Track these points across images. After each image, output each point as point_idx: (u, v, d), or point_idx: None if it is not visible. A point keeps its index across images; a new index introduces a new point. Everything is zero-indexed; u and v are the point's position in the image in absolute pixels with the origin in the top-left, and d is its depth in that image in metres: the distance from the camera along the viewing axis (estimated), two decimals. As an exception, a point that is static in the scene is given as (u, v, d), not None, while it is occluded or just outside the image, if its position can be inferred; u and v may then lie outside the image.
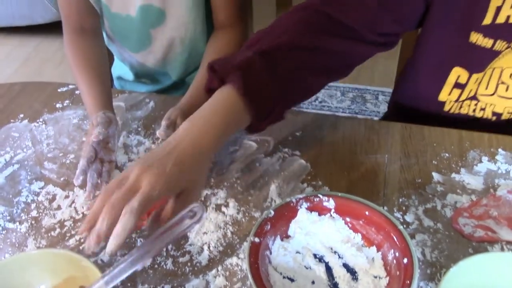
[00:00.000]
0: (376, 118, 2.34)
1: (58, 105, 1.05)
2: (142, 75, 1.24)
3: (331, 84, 2.58)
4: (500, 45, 0.87)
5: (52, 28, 3.01)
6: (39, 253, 0.70)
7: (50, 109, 1.04)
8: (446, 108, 0.98)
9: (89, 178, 0.84)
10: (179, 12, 1.07)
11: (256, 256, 0.69)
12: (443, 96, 0.96)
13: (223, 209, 0.82)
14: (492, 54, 0.89)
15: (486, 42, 0.87)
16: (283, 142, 0.94)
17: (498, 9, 0.84)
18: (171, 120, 0.86)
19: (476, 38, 0.88)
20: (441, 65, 0.94)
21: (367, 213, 0.74)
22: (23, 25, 2.97)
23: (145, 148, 0.94)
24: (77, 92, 1.09)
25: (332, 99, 2.50)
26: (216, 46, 1.07)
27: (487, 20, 0.85)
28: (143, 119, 1.01)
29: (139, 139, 0.96)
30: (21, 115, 1.03)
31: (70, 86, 1.10)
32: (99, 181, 0.84)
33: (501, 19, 0.85)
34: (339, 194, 0.76)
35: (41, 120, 1.02)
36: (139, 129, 0.99)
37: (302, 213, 0.76)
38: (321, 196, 0.76)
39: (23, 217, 0.83)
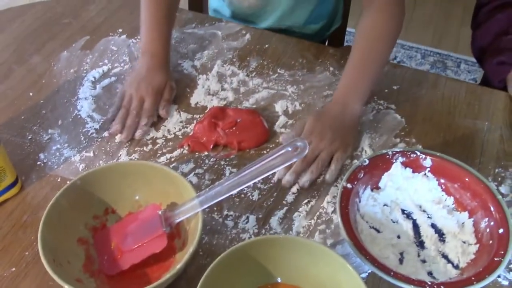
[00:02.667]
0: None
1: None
2: (239, 13, 1.16)
3: (412, 45, 2.50)
4: None
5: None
6: (139, 164, 0.72)
7: (148, 27, 1.05)
8: None
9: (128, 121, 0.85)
10: None
11: (347, 201, 0.69)
12: None
13: (313, 151, 0.82)
14: None
15: None
16: (379, 94, 0.91)
17: None
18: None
19: None
20: None
21: (465, 178, 0.72)
22: None
23: (239, 79, 0.94)
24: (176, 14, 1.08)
25: (411, 61, 2.40)
26: (366, 27, 0.88)
27: None
28: (238, 50, 1.00)
29: (233, 69, 0.96)
30: (120, 30, 1.04)
31: (169, 8, 1.09)
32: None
33: None
34: (438, 154, 0.74)
35: (139, 37, 1.02)
36: (234, 59, 0.98)
37: (397, 167, 0.74)
38: (418, 153, 0.74)
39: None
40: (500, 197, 0.69)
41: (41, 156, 0.81)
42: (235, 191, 0.65)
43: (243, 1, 1.11)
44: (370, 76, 0.86)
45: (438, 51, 2.46)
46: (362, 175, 0.72)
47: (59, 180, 0.78)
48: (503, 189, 0.77)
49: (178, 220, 0.66)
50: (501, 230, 0.66)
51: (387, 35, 0.88)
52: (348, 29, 1.36)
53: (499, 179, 0.78)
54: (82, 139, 0.83)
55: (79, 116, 0.87)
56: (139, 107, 0.86)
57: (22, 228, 0.71)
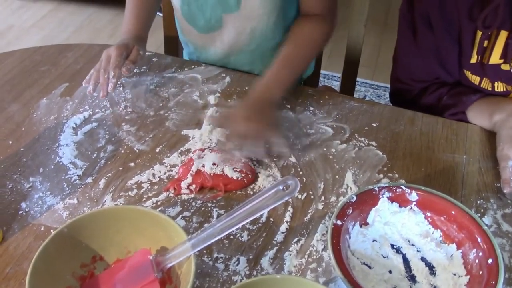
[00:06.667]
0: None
1: (135, 70, 1.06)
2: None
3: (380, 84, 2.58)
4: (485, 83, 0.95)
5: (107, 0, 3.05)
6: (126, 208, 0.71)
7: (127, 73, 1.05)
8: None
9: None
10: (254, 2, 1.03)
11: (338, 238, 0.69)
12: None
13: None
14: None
15: (474, 79, 0.97)
16: (359, 131, 0.93)
17: (484, 49, 0.92)
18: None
19: (467, 74, 0.97)
20: None
21: (451, 210, 0.73)
22: (79, -7, 3.01)
23: (221, 121, 0.94)
24: (154, 59, 1.10)
25: (380, 99, 2.47)
26: (303, 31, 1.02)
27: (474, 59, 0.94)
28: (220, 93, 1.01)
29: (217, 110, 0.97)
30: (100, 76, 1.04)
31: (147, 53, 1.11)
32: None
33: (485, 59, 0.92)
34: (422, 188, 0.76)
35: (118, 82, 1.03)
36: (216, 102, 0.99)
37: (383, 202, 0.75)
38: (404, 188, 0.75)
39: (102, 174, 0.84)
40: (486, 227, 0.70)
41: (23, 205, 0.79)
42: (227, 232, 0.64)
43: (211, 44, 1.15)
44: (292, 75, 0.97)
45: (405, 90, 2.53)
46: (350, 212, 0.73)
47: (42, 229, 0.75)
48: (486, 220, 0.78)
49: (170, 265, 0.65)
50: (490, 260, 0.67)
51: (314, 44, 1.03)
52: (322, 71, 1.40)
53: (482, 210, 0.80)
54: (65, 186, 0.82)
55: (61, 163, 0.86)
56: (106, 65, 0.95)
57: (5, 280, 0.69)
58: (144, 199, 0.80)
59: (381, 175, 0.85)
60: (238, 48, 1.13)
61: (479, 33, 0.91)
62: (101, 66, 0.96)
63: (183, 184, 0.81)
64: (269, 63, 1.05)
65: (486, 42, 0.92)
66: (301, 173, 0.85)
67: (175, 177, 0.84)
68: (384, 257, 0.72)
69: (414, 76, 1.06)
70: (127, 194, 0.81)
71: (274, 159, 0.87)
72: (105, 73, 0.94)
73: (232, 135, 0.84)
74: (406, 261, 0.72)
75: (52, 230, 0.74)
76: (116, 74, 0.94)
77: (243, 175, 0.82)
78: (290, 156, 0.88)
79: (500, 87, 0.96)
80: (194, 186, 0.81)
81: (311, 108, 0.98)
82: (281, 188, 0.63)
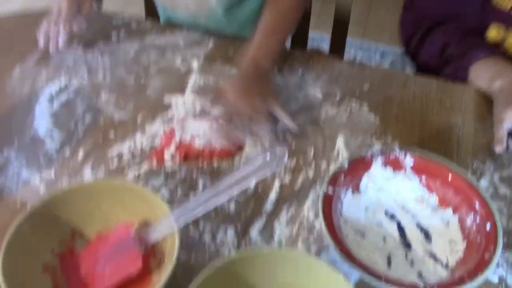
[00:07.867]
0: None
1: (113, 38, 1.01)
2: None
3: (370, 45, 2.52)
4: None
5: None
6: (106, 183, 0.68)
7: (105, 40, 1.00)
8: None
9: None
10: None
11: (329, 208, 0.66)
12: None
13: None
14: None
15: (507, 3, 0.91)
16: (350, 95, 0.89)
17: None
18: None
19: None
20: None
21: (447, 174, 0.70)
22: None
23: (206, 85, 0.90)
24: (133, 25, 1.04)
25: (370, 61, 2.42)
26: (275, 9, 0.97)
27: None
28: (203, 58, 0.96)
29: (199, 76, 0.92)
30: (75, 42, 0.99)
31: (126, 19, 1.05)
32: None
33: None
34: (417, 152, 0.72)
35: (96, 49, 0.98)
36: (200, 67, 0.94)
37: (377, 167, 0.72)
38: (398, 152, 0.72)
39: (80, 146, 0.80)
40: (484, 191, 0.67)
41: (-3, 180, 0.75)
42: (213, 206, 0.61)
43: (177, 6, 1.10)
44: (278, 43, 0.93)
45: (396, 50, 2.48)
46: (342, 179, 0.70)
47: (18, 206, 0.72)
48: (483, 182, 0.76)
49: (153, 239, 0.61)
50: (488, 226, 0.64)
51: (294, 10, 0.99)
52: (311, 32, 1.35)
53: (478, 172, 0.77)
54: (41, 159, 0.78)
55: (36, 136, 0.81)
56: (57, 18, 0.93)
57: (-20, 260, 0.65)
58: (125, 170, 0.76)
59: (374, 140, 0.82)
60: (205, 12, 1.08)
61: None
62: (51, 19, 0.93)
63: (166, 154, 0.77)
64: (237, 28, 0.99)
65: None
66: (290, 139, 0.81)
67: (158, 147, 0.80)
68: (378, 225, 0.69)
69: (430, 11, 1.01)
70: (107, 166, 0.77)
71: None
72: (56, 27, 0.92)
73: (228, 112, 0.80)
74: (400, 229, 0.69)
75: (29, 206, 0.70)
76: (67, 29, 0.92)
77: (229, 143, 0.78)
78: (298, 131, 0.82)
79: None
80: (177, 155, 0.77)
81: (300, 71, 0.94)
82: (268, 157, 0.60)
